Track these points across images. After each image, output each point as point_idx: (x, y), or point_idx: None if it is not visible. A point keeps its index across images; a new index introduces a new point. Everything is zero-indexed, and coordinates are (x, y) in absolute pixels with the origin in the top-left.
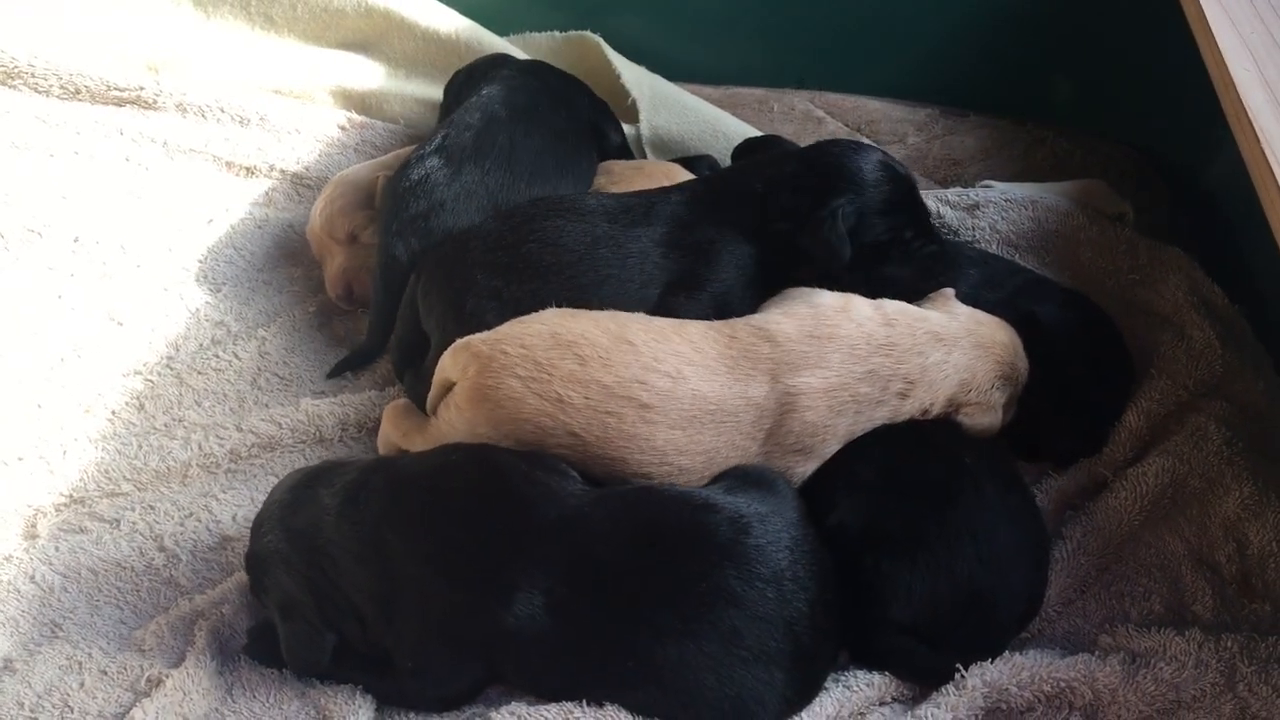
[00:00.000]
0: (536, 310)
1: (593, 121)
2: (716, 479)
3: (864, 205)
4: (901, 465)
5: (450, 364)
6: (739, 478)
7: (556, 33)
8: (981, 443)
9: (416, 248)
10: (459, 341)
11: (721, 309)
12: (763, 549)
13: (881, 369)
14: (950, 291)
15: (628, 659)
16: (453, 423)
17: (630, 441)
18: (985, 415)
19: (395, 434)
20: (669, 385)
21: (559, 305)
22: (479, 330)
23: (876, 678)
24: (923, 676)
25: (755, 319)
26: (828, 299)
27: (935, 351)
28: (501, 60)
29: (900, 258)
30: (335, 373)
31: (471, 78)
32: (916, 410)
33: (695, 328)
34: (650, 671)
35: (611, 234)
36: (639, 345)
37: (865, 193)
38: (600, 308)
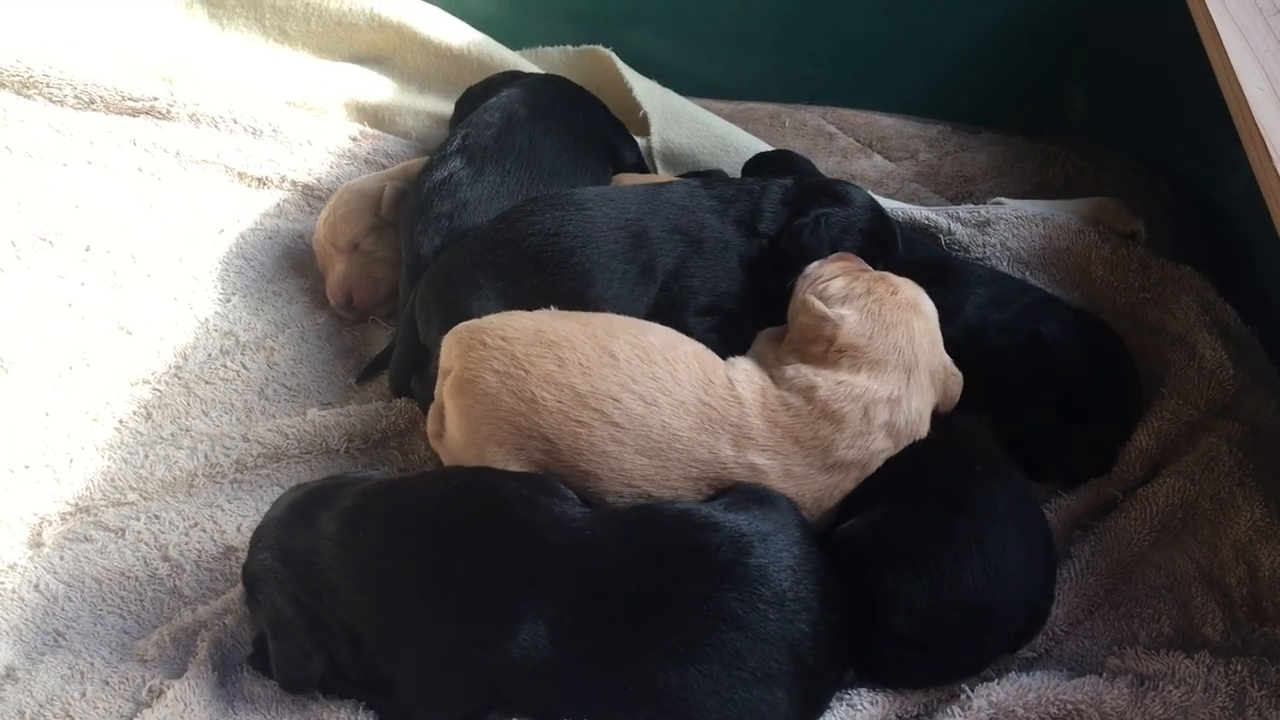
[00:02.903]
0: (542, 305)
1: (608, 136)
2: (716, 495)
3: (848, 221)
4: (911, 475)
5: (444, 353)
6: (740, 494)
7: (569, 46)
8: (992, 453)
9: (441, 245)
10: (451, 329)
11: (713, 292)
12: (764, 569)
13: (850, 458)
14: (814, 304)
15: (629, 682)
16: (449, 425)
17: (601, 458)
18: (957, 386)
19: (430, 431)
20: (641, 410)
21: (563, 296)
22: None
23: (880, 696)
24: (925, 684)
25: (734, 368)
26: (765, 391)
27: (897, 413)
28: (519, 74)
29: None
30: (366, 376)
31: (490, 90)
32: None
33: (684, 356)
34: (650, 694)
35: (609, 222)
36: (620, 360)
37: (851, 211)
38: (601, 295)
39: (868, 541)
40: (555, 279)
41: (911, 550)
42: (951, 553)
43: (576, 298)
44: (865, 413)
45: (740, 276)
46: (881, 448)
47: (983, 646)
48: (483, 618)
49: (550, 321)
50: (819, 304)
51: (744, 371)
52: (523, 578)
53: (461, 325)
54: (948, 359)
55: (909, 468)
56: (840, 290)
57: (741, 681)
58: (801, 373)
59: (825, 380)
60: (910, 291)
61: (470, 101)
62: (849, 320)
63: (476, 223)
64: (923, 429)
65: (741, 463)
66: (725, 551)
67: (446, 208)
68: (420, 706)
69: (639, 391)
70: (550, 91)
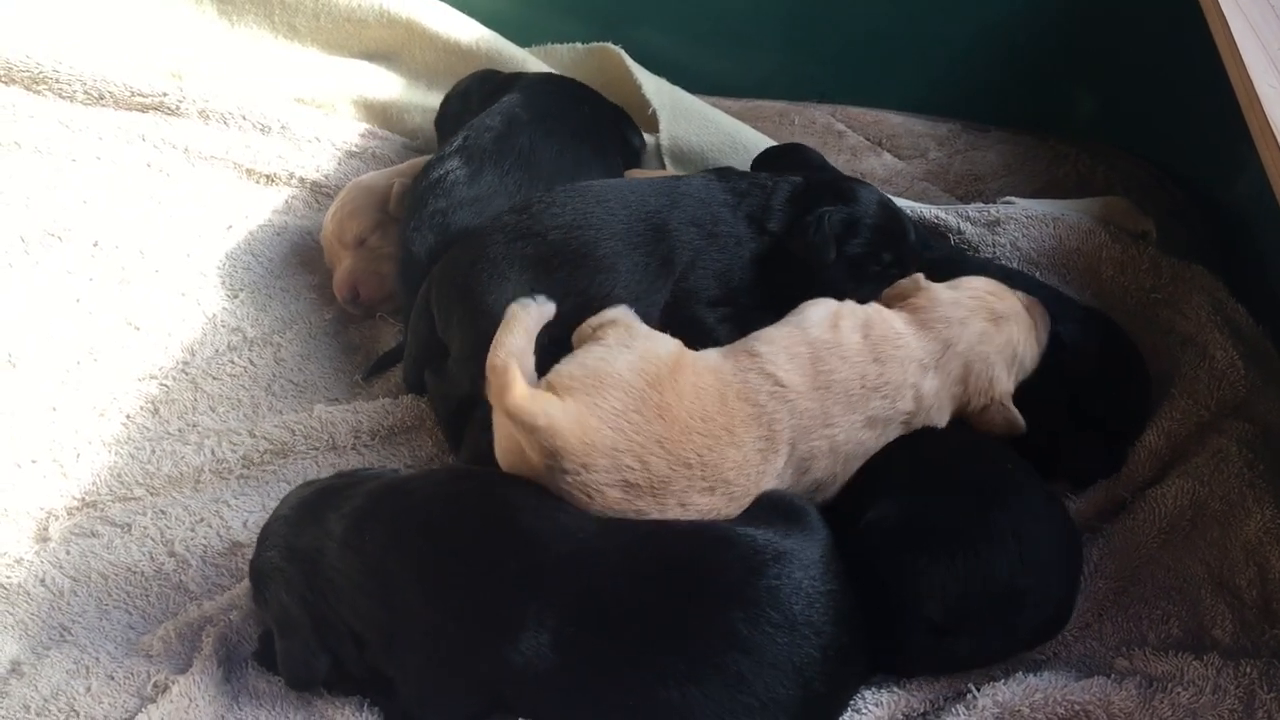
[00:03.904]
0: (568, 299)
1: (614, 128)
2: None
3: (852, 218)
4: (945, 466)
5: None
6: (767, 507)
7: (578, 44)
8: (1019, 457)
9: (433, 243)
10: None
11: (725, 285)
12: (775, 591)
13: (880, 413)
14: (920, 277)
15: (630, 698)
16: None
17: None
18: (1000, 415)
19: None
20: (706, 502)
21: (587, 289)
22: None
23: (885, 696)
24: (952, 670)
25: (767, 363)
26: (816, 330)
27: (925, 379)
28: (495, 73)
29: (874, 279)
30: (373, 372)
31: (465, 98)
32: (923, 424)
33: (739, 425)
34: (651, 711)
35: (631, 215)
36: (694, 467)
37: (856, 208)
38: (622, 287)
39: (901, 525)
40: (579, 271)
41: (949, 535)
42: (988, 540)
43: (602, 292)
44: (903, 365)
45: (751, 271)
46: (907, 410)
47: (1011, 632)
48: (485, 624)
49: (626, 444)
50: (922, 276)
51: (783, 350)
52: (526, 586)
53: (569, 412)
54: (1003, 385)
55: (941, 458)
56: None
57: (745, 706)
58: (874, 305)
59: (882, 320)
60: (1009, 307)
61: (448, 116)
62: (934, 288)
63: (472, 222)
64: (940, 415)
65: (794, 459)
66: (736, 571)
67: (440, 205)
68: (421, 707)
69: (706, 487)
70: (550, 92)
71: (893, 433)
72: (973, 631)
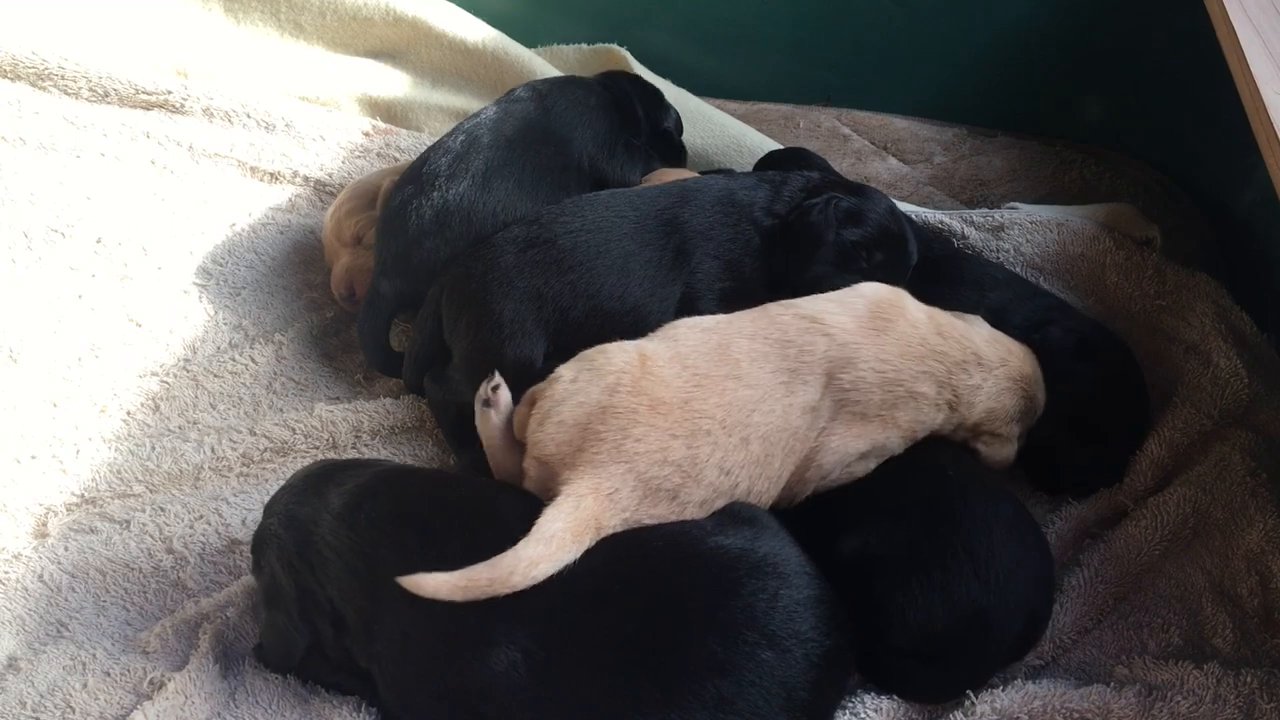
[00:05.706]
0: (579, 302)
1: (591, 157)
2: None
3: (858, 209)
4: (889, 485)
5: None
6: (728, 514)
7: (584, 45)
8: (960, 453)
9: (402, 287)
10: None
11: (737, 277)
12: (751, 610)
13: (937, 373)
14: (978, 319)
15: None
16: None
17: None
18: (1004, 448)
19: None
20: (759, 448)
21: (597, 290)
22: (520, 336)
23: (885, 703)
24: (929, 696)
25: (805, 309)
26: (880, 290)
27: (976, 374)
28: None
29: (858, 274)
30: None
31: None
32: (951, 427)
33: (746, 366)
34: None
35: (640, 216)
36: (713, 432)
37: (864, 202)
38: (636, 285)
39: (857, 554)
40: (592, 274)
41: (900, 561)
42: (940, 560)
43: (615, 294)
44: (963, 346)
45: (759, 261)
46: (964, 386)
47: (983, 654)
48: (461, 632)
49: (643, 463)
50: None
51: (833, 300)
52: (503, 602)
53: (601, 449)
54: (1012, 427)
55: (885, 477)
56: None
57: None
58: None
59: (946, 314)
60: (1022, 364)
61: None
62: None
63: (435, 255)
64: (969, 414)
65: (831, 392)
66: (710, 593)
67: (401, 246)
68: (399, 709)
69: (738, 441)
70: (527, 116)
71: (939, 414)
72: (944, 656)
